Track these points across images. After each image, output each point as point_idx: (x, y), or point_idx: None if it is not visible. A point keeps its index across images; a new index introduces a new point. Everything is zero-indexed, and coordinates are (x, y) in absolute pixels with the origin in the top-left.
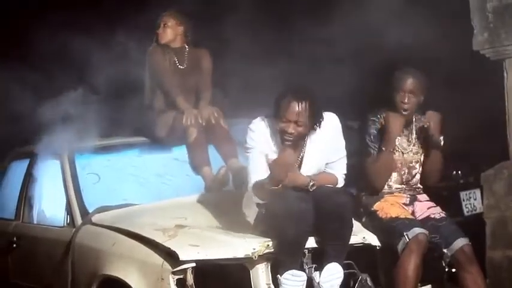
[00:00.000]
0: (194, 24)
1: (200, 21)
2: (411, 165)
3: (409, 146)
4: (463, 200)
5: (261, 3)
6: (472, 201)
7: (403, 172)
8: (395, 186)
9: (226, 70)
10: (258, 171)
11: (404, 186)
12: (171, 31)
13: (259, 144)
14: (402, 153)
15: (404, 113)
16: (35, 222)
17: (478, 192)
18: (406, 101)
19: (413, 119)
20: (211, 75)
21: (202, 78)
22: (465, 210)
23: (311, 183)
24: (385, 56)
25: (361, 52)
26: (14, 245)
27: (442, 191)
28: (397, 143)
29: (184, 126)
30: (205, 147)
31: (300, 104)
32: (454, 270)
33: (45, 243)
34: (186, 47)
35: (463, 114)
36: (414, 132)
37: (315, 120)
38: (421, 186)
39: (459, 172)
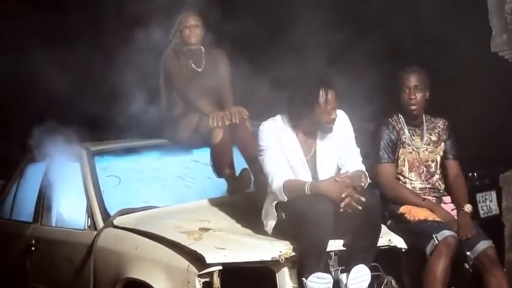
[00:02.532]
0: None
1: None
2: (428, 163)
3: (422, 145)
4: (479, 202)
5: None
6: (488, 203)
7: (421, 170)
8: (418, 185)
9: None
10: (281, 170)
11: (427, 185)
12: (200, 31)
13: (272, 143)
14: (418, 152)
15: (412, 108)
16: (54, 225)
17: (493, 193)
18: (412, 97)
19: (424, 119)
20: (230, 76)
21: (221, 80)
22: (481, 212)
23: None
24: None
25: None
26: (33, 248)
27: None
28: (410, 143)
29: (209, 127)
30: (230, 149)
31: (332, 90)
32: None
33: (65, 246)
34: (203, 48)
35: (479, 116)
36: (426, 131)
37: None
38: (443, 187)
39: (475, 174)
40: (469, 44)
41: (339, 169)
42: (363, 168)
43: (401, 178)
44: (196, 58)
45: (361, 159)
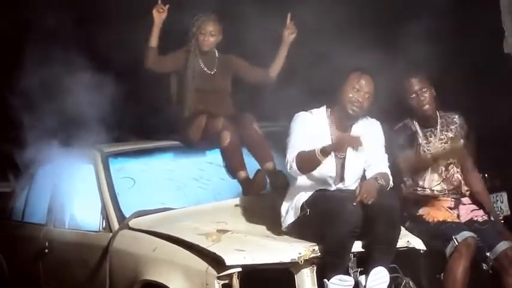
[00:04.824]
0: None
1: None
2: (447, 163)
3: (440, 145)
4: None
5: None
6: (499, 204)
7: (440, 171)
8: (438, 188)
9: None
10: (300, 144)
11: (448, 187)
12: (215, 40)
13: (300, 128)
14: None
15: (425, 108)
16: (67, 227)
17: (505, 195)
18: (421, 98)
19: (438, 117)
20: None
21: (239, 68)
22: None
23: (379, 181)
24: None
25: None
26: (46, 250)
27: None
28: (427, 148)
29: (217, 129)
30: (240, 151)
31: (370, 78)
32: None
33: (79, 248)
34: (217, 52)
35: (490, 117)
36: (441, 128)
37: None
38: (466, 188)
39: (486, 175)
40: (482, 46)
41: (364, 171)
42: (387, 171)
43: (421, 182)
44: (208, 61)
45: (387, 163)
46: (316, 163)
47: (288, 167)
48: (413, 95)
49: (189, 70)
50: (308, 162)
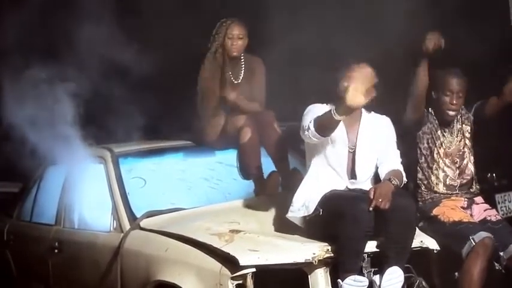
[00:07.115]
0: None
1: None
2: (460, 153)
3: (454, 138)
4: (498, 203)
5: None
6: (507, 204)
7: (454, 160)
8: (450, 174)
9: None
10: (316, 114)
11: (458, 176)
12: (243, 43)
13: (318, 109)
14: (449, 147)
15: (451, 113)
16: (77, 227)
17: None
18: (454, 102)
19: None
20: (264, 84)
21: (254, 88)
22: (500, 212)
23: (393, 182)
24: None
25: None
26: (56, 251)
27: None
28: (443, 141)
29: (237, 127)
30: (258, 149)
31: (370, 68)
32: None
33: (90, 249)
34: (242, 57)
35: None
36: (458, 125)
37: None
38: (478, 187)
39: (493, 174)
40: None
41: (377, 168)
42: (400, 168)
43: (435, 166)
44: (235, 69)
45: (400, 160)
46: (333, 122)
47: (303, 131)
48: (448, 93)
49: (213, 81)
50: (325, 121)
